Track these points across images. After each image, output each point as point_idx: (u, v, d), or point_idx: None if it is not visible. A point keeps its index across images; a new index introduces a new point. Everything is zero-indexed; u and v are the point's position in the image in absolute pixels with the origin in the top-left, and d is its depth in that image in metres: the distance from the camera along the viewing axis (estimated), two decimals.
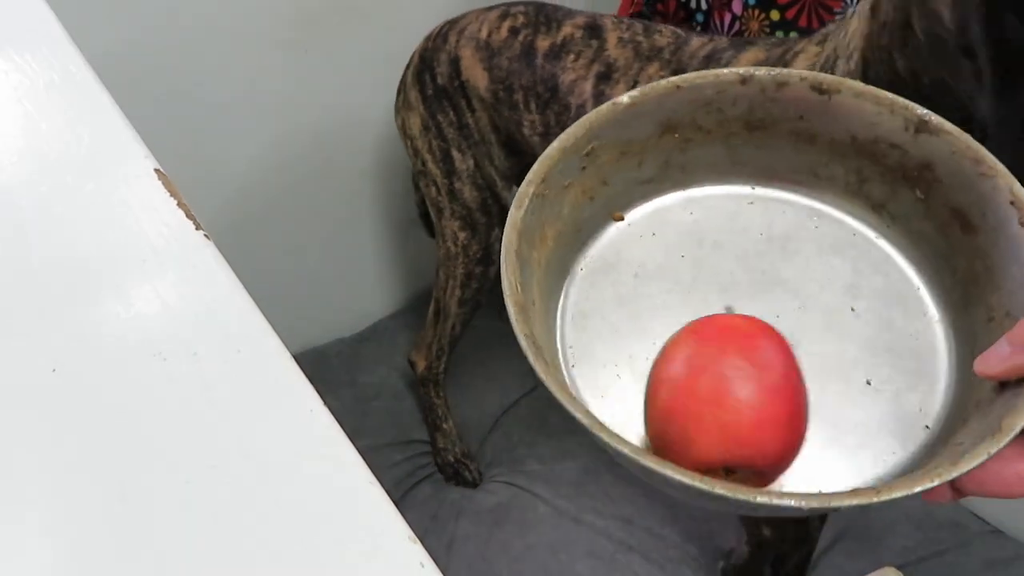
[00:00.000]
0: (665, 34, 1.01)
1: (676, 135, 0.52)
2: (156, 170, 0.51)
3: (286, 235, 1.53)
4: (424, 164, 1.25)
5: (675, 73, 0.97)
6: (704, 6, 1.30)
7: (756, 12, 1.21)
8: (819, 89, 0.50)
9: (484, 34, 1.13)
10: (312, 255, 1.58)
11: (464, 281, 1.30)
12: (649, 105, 0.50)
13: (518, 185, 1.27)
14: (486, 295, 1.32)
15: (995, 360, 0.41)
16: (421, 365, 1.41)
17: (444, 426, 1.41)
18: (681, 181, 0.54)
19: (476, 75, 1.15)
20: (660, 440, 0.43)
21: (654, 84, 0.51)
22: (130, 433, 0.38)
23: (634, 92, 0.50)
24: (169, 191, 0.50)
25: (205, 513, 0.34)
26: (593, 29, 1.06)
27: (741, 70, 0.51)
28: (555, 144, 0.49)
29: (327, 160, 1.50)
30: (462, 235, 1.27)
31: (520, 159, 1.20)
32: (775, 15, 1.19)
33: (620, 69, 1.02)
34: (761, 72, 0.51)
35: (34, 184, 0.52)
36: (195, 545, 0.33)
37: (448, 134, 1.21)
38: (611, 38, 1.04)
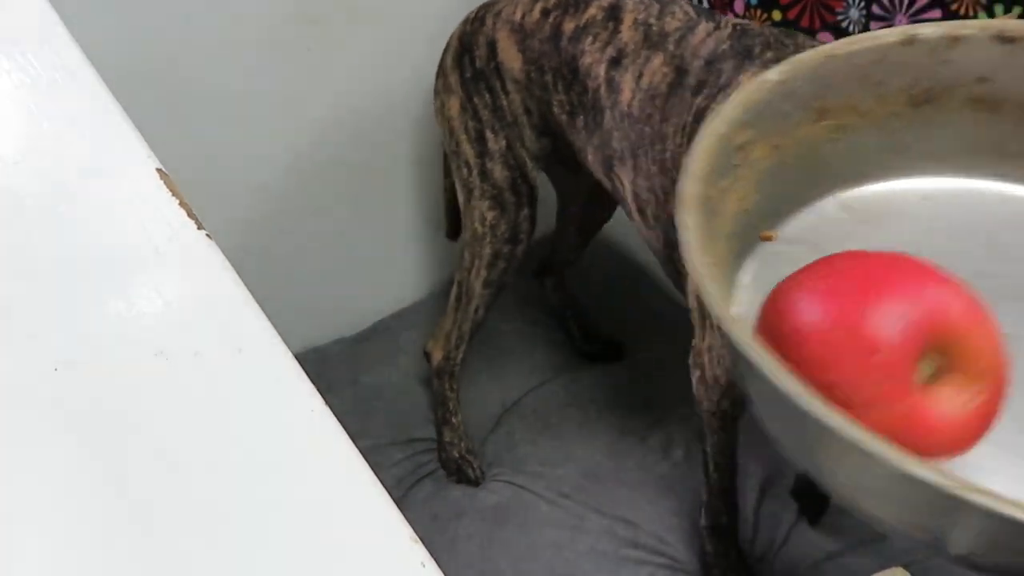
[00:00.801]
0: (677, 16, 1.03)
1: (827, 121, 0.43)
2: (158, 170, 0.51)
3: (287, 234, 1.53)
4: (458, 145, 1.27)
5: (678, 70, 0.98)
6: (705, 5, 1.29)
7: (758, 12, 1.20)
8: (1004, 38, 0.41)
9: (519, 16, 1.16)
10: (313, 255, 1.58)
11: (491, 261, 1.30)
12: (800, 81, 0.42)
13: (548, 167, 1.29)
14: (512, 275, 1.32)
15: None
16: (438, 356, 1.39)
17: (453, 420, 1.40)
18: (836, 181, 0.45)
19: (511, 57, 1.17)
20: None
21: (803, 56, 0.43)
22: (131, 432, 0.38)
23: (782, 66, 0.42)
24: (171, 191, 0.50)
25: (206, 512, 0.34)
26: (614, 9, 1.08)
27: (905, 29, 0.42)
28: (708, 130, 0.40)
29: (328, 160, 1.50)
30: (491, 215, 1.28)
31: (551, 140, 1.23)
32: (777, 15, 1.18)
33: (629, 55, 1.04)
34: (928, 30, 0.42)
35: (36, 183, 0.52)
36: (195, 544, 0.33)
37: (483, 115, 1.24)
38: (627, 20, 1.06)
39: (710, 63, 0.95)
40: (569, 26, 1.10)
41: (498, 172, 1.26)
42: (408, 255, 1.69)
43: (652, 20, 1.04)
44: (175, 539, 0.34)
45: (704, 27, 1.00)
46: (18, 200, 0.50)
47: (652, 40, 1.02)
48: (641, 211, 1.04)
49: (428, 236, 1.69)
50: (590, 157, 1.12)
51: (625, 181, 1.05)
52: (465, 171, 1.28)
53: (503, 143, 1.24)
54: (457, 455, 1.39)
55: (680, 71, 0.98)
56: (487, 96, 1.23)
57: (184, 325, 0.42)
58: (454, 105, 1.26)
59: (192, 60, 1.28)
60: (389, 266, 1.69)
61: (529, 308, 1.66)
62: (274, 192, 1.48)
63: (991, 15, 1.00)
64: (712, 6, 1.28)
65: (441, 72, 1.28)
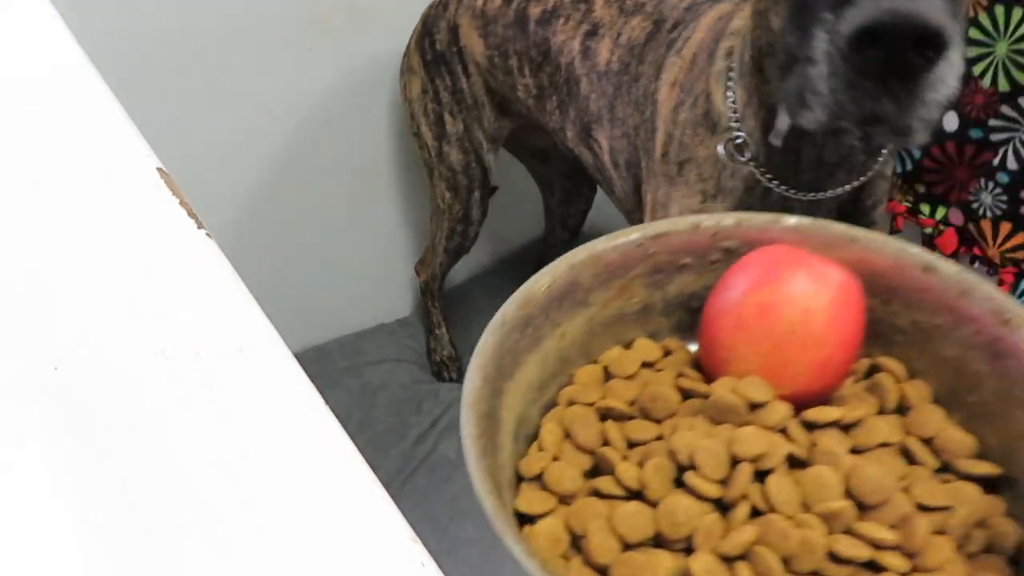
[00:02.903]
0: None
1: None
2: (158, 169, 0.51)
3: (287, 234, 1.53)
4: (418, 127, 1.34)
5: (656, 23, 0.99)
6: None
7: None
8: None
9: (480, 2, 1.19)
10: (313, 254, 1.58)
11: (448, 234, 1.43)
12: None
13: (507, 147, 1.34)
14: (469, 245, 1.47)
15: None
16: (423, 276, 1.57)
17: (437, 331, 1.61)
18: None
19: (473, 42, 1.20)
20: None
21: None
22: (131, 431, 0.38)
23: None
24: (171, 190, 0.50)
25: (205, 512, 0.34)
26: None
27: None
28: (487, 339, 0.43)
29: (328, 160, 1.50)
30: (447, 195, 1.38)
31: (511, 121, 1.27)
32: None
33: (606, 25, 1.05)
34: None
35: (35, 182, 0.52)
36: (195, 544, 0.33)
37: (443, 98, 1.28)
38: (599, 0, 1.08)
39: (688, 8, 0.98)
40: (535, 11, 1.12)
41: (454, 155, 1.32)
42: (409, 255, 1.69)
43: None
44: (175, 538, 0.34)
45: None
46: (16, 198, 0.50)
47: (628, 11, 1.04)
48: (616, 164, 1.05)
49: (425, 238, 1.68)
50: (568, 134, 1.13)
51: (603, 141, 1.06)
52: (425, 152, 1.36)
53: (461, 126, 1.29)
54: (438, 359, 1.60)
55: (658, 22, 1.00)
56: (448, 79, 1.26)
57: (184, 324, 0.42)
58: (415, 86, 1.31)
59: (192, 60, 1.28)
60: (389, 266, 1.69)
61: None
62: (274, 192, 1.48)
63: (991, 16, 1.00)
64: None
65: (406, 52, 1.33)
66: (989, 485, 0.43)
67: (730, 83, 0.82)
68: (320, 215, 1.54)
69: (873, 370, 0.49)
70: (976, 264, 1.11)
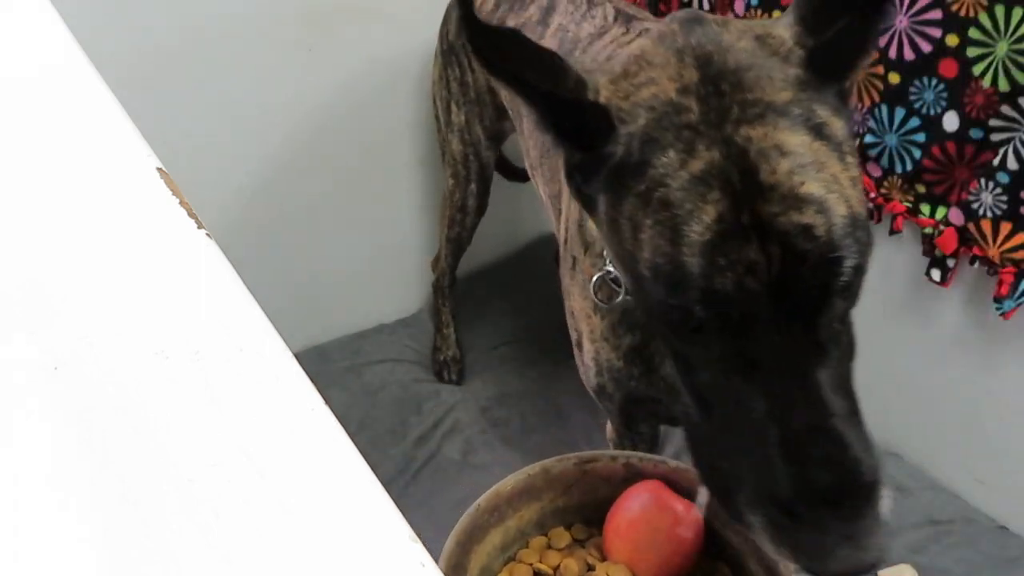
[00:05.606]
0: (596, 19, 1.01)
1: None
2: (158, 169, 0.51)
3: (287, 234, 1.53)
4: (436, 112, 1.36)
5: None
6: (707, 6, 1.29)
7: (759, 12, 1.20)
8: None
9: (478, 1, 1.18)
10: (314, 254, 1.58)
11: (449, 223, 1.45)
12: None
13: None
14: (467, 239, 1.48)
15: None
16: (435, 272, 1.58)
17: (444, 331, 1.61)
18: None
19: None
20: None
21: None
22: (132, 431, 0.38)
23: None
24: (171, 190, 0.50)
25: (205, 512, 0.34)
26: (547, 12, 1.07)
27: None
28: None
29: (328, 160, 1.50)
30: (451, 182, 1.39)
31: (510, 123, 1.26)
32: (778, 15, 1.18)
33: None
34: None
35: (35, 182, 0.52)
36: (195, 544, 0.33)
37: (452, 88, 1.29)
38: (553, 24, 1.05)
39: (608, 58, 0.92)
40: (509, 24, 1.09)
41: (455, 144, 1.33)
42: (408, 255, 1.69)
43: (572, 25, 1.02)
44: (175, 538, 0.34)
45: (613, 32, 0.97)
46: (17, 198, 0.50)
47: (565, 48, 1.00)
48: (553, 219, 1.02)
49: (430, 241, 1.68)
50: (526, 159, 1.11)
51: (541, 189, 1.04)
52: (439, 136, 1.38)
53: (462, 118, 1.30)
54: (443, 358, 1.59)
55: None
56: (456, 70, 1.27)
57: (184, 325, 0.42)
58: (436, 72, 1.33)
59: (193, 60, 1.28)
60: (389, 266, 1.69)
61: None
62: (274, 192, 1.48)
63: (991, 16, 1.00)
64: (713, 6, 1.28)
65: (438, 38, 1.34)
66: None
67: None
68: (320, 215, 1.54)
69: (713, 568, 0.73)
70: (976, 264, 1.11)
